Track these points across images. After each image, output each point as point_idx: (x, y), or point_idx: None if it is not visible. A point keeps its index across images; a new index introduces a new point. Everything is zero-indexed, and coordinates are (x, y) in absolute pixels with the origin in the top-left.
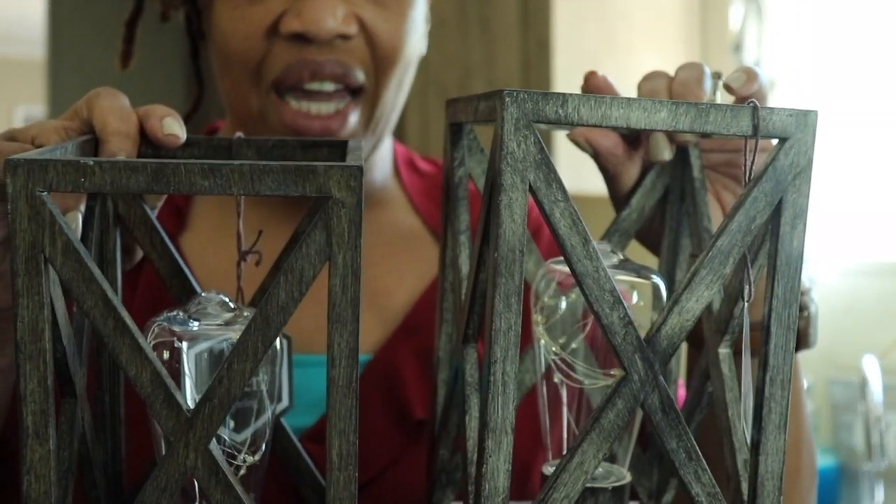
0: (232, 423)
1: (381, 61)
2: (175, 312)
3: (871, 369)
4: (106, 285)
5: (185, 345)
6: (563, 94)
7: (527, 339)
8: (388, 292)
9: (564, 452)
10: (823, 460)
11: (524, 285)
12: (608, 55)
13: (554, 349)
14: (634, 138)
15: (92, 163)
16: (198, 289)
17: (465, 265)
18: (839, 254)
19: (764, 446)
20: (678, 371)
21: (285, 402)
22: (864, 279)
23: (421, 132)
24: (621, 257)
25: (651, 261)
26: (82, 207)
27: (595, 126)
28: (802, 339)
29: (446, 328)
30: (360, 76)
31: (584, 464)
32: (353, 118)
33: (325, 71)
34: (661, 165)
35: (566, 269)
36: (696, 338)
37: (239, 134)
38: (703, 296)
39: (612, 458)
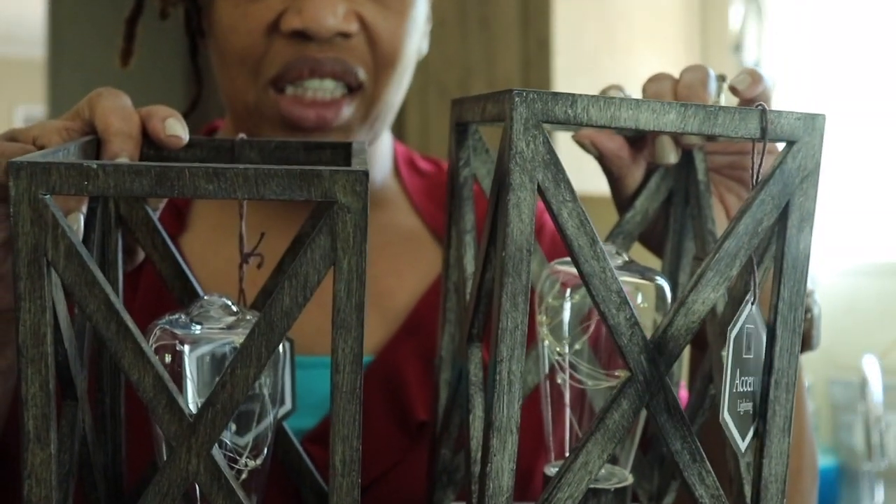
0: (234, 427)
1: (381, 60)
2: (177, 315)
3: (871, 369)
4: (108, 289)
5: (186, 348)
6: (573, 95)
7: (529, 339)
8: (388, 293)
9: (567, 453)
10: (823, 460)
11: None
12: (608, 55)
13: (558, 350)
14: (639, 141)
15: (95, 166)
16: (199, 291)
17: (469, 265)
18: (839, 254)
19: (768, 449)
20: (680, 373)
21: (288, 405)
22: (864, 279)
23: (421, 132)
24: (626, 259)
25: (654, 263)
26: (84, 209)
27: (604, 127)
28: (805, 341)
29: (449, 328)
30: (360, 74)
31: (589, 464)
32: (348, 110)
33: (325, 68)
34: (666, 168)
35: (570, 269)
36: (699, 340)
37: (242, 135)
38: (709, 297)
39: (613, 461)
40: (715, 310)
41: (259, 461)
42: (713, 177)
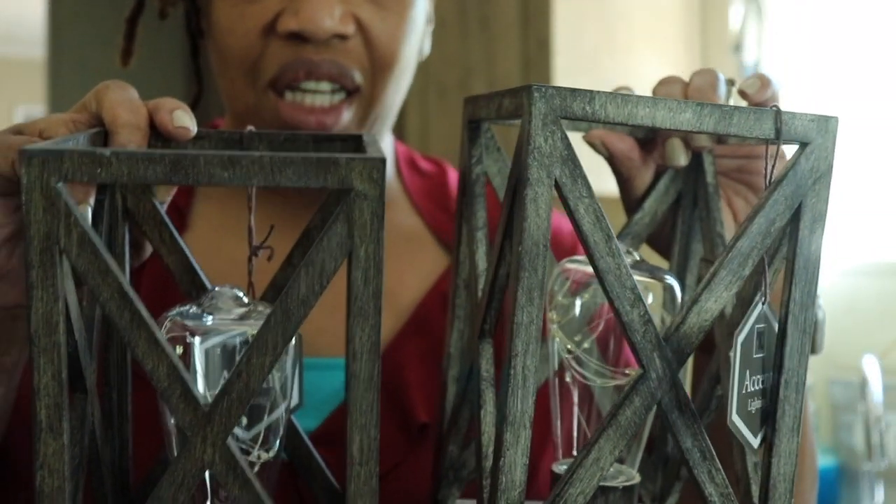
0: (244, 421)
1: (379, 63)
2: (188, 307)
3: (871, 369)
4: (122, 277)
5: (197, 340)
6: (591, 91)
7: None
8: (389, 294)
9: (574, 451)
10: (823, 460)
11: None
12: (608, 55)
13: (568, 346)
14: (649, 142)
15: (109, 153)
16: (208, 284)
17: (481, 261)
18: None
19: (777, 448)
20: (684, 378)
21: (295, 399)
22: (864, 279)
23: (421, 132)
24: (637, 258)
25: (661, 264)
26: (91, 201)
27: (621, 125)
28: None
29: (458, 325)
30: (356, 77)
31: (601, 460)
32: (347, 115)
33: (322, 71)
34: (675, 170)
35: (580, 267)
36: (705, 341)
37: (250, 128)
38: (721, 296)
39: (619, 460)
40: (723, 311)
41: (271, 454)
42: (721, 180)
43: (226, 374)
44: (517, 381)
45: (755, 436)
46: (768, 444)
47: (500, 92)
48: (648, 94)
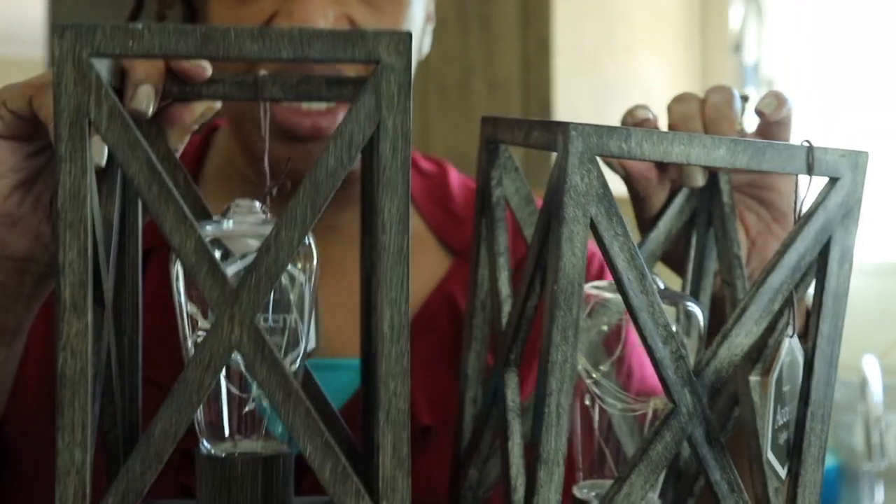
0: None
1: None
2: (216, 217)
3: (871, 369)
4: (150, 152)
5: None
6: (627, 129)
7: None
8: None
9: (594, 476)
10: None
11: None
12: (608, 55)
13: (590, 372)
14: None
15: (141, 26)
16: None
17: (503, 287)
18: None
19: (802, 479)
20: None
21: (312, 343)
22: (864, 279)
23: (421, 132)
24: (661, 286)
25: (672, 279)
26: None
27: (657, 161)
28: None
29: (475, 346)
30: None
31: (632, 495)
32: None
33: (316, 74)
34: (691, 189)
35: (599, 293)
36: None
37: (263, 72)
38: (752, 331)
39: None
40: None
41: None
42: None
43: None
44: (551, 419)
45: (783, 466)
46: (794, 475)
47: (528, 121)
48: (650, 97)
